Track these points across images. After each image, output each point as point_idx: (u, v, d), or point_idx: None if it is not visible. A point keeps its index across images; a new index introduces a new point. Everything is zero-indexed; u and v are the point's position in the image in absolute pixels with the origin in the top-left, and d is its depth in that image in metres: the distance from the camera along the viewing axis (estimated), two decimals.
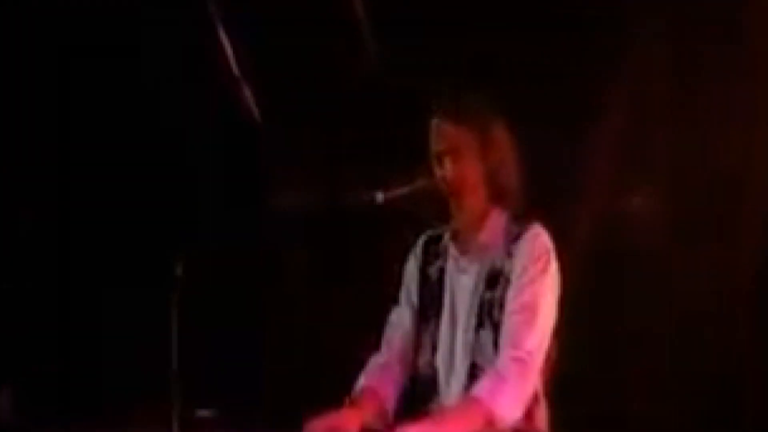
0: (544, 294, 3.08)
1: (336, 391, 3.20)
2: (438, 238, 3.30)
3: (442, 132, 3.15)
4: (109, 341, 4.61)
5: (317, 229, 4.50)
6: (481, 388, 3.00)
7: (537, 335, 3.04)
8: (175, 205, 4.60)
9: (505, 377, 2.99)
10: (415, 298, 3.28)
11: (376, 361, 3.28)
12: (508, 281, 3.10)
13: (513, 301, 3.07)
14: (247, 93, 4.49)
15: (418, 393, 3.22)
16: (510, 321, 3.06)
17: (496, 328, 3.09)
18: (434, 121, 3.16)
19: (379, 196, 3.16)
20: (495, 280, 3.12)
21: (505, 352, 3.04)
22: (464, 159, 3.13)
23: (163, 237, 4.28)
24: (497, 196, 3.18)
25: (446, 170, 3.13)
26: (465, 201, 3.18)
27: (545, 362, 3.11)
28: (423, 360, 3.21)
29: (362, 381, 3.24)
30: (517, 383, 3.00)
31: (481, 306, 3.12)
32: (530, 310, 3.05)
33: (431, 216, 3.25)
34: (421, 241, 3.34)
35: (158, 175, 4.66)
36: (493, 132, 3.16)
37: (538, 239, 3.13)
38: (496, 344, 3.08)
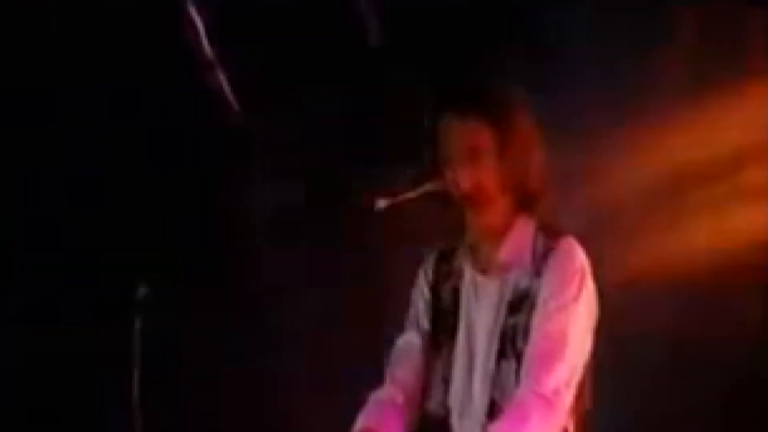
0: (576, 323, 2.81)
1: None
2: (452, 254, 3.02)
3: (452, 131, 2.88)
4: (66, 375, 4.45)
5: (315, 236, 4.34)
6: (497, 430, 2.75)
7: (564, 370, 2.78)
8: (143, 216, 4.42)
9: (526, 417, 2.74)
10: (425, 323, 3.02)
11: (377, 398, 2.99)
12: (534, 305, 2.83)
13: (538, 328, 2.80)
14: (227, 86, 4.34)
15: None
16: (533, 351, 2.80)
17: (519, 359, 2.82)
18: (443, 119, 2.90)
19: (381, 202, 2.93)
20: (519, 303, 2.85)
21: (528, 385, 2.78)
22: (480, 161, 2.85)
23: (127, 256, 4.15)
24: (521, 203, 2.90)
25: (459, 175, 2.86)
26: (483, 210, 2.90)
27: (577, 399, 2.84)
28: (434, 397, 2.95)
29: (361, 422, 2.95)
30: (539, 425, 2.75)
31: (503, 334, 2.85)
32: (558, 341, 2.78)
33: (442, 227, 3.02)
34: (431, 257, 3.06)
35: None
36: (513, 128, 2.87)
37: (571, 256, 2.84)
38: (519, 378, 2.82)
